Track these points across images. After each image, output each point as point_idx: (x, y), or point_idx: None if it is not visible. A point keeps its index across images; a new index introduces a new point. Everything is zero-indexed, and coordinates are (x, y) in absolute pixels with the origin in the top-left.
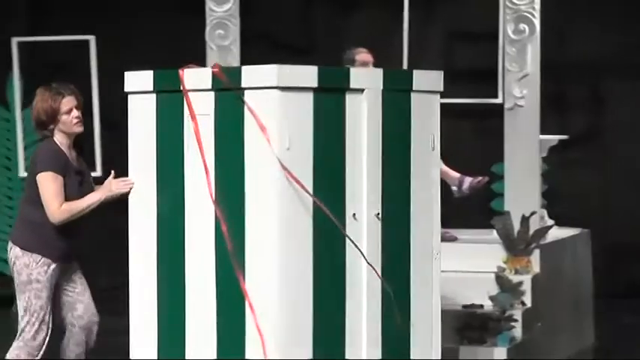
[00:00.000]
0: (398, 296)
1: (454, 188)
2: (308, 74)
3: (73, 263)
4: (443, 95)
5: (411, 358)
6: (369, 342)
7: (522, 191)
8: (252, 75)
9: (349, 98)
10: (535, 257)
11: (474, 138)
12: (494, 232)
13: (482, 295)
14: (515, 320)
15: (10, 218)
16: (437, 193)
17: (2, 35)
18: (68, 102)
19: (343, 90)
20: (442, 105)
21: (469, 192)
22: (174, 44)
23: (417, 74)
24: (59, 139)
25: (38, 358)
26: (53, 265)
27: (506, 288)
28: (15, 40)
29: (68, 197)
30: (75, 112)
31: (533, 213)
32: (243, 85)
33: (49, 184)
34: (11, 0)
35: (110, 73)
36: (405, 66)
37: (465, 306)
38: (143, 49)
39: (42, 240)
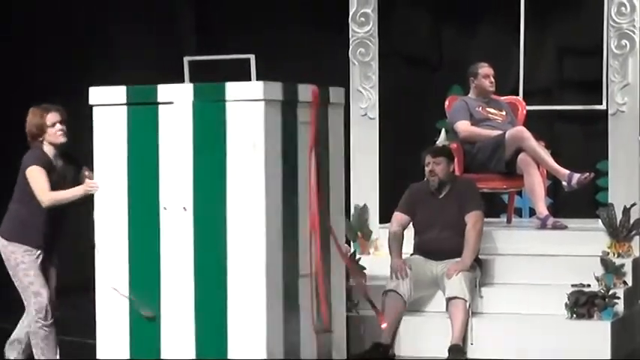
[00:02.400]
0: (214, 291)
1: (564, 183)
2: (118, 93)
3: (52, 255)
4: (555, 102)
5: (228, 358)
6: (184, 338)
7: (624, 185)
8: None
9: (162, 110)
10: (635, 243)
11: (581, 139)
12: (600, 221)
13: (589, 275)
14: (618, 298)
15: None
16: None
17: (176, 54)
18: (53, 117)
19: (155, 103)
20: (554, 111)
21: (577, 186)
22: (322, 61)
23: (230, 86)
24: (47, 149)
25: (48, 322)
26: (36, 252)
27: (610, 269)
28: (186, 60)
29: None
30: (59, 126)
31: (633, 204)
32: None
33: (37, 175)
34: (183, 23)
35: None
36: (521, 77)
37: (574, 285)
38: (295, 65)
39: (26, 232)
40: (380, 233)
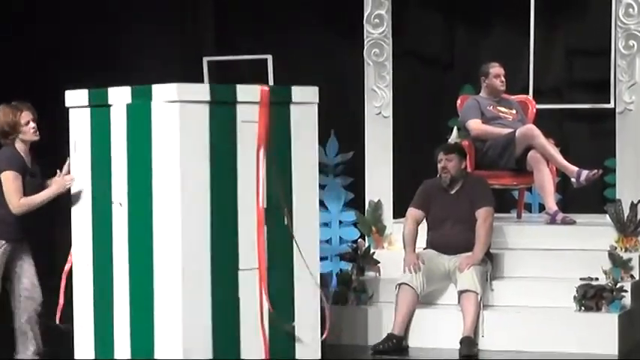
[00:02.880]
0: (144, 289)
1: (573, 180)
2: (81, 96)
3: (24, 243)
4: (564, 101)
5: (155, 357)
6: (124, 337)
7: (631, 182)
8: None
9: (112, 112)
10: None
11: (590, 137)
12: (607, 216)
13: (597, 269)
14: (626, 291)
15: None
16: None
17: (195, 54)
18: (26, 115)
19: (107, 105)
20: (563, 109)
21: (586, 183)
22: (338, 61)
23: (155, 88)
24: (19, 146)
25: None
26: (5, 245)
27: (618, 263)
28: (205, 60)
29: (26, 193)
30: (32, 124)
31: None
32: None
33: (10, 182)
34: (202, 24)
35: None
36: (531, 76)
37: (582, 278)
38: (311, 66)
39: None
40: (394, 228)
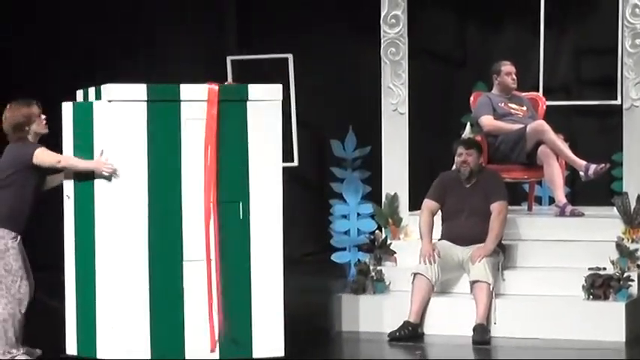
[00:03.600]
0: (87, 284)
1: (581, 173)
2: (79, 95)
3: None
4: (573, 98)
5: (97, 357)
6: (71, 333)
7: (637, 175)
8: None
9: (65, 111)
10: None
11: (598, 132)
12: (615, 208)
13: (605, 259)
14: (632, 280)
15: None
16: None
17: (219, 53)
18: (37, 108)
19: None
20: (572, 106)
21: (594, 176)
22: (356, 60)
23: (104, 88)
24: (30, 139)
25: (22, 310)
26: (19, 237)
27: (625, 254)
28: (229, 59)
29: (34, 184)
30: (43, 115)
31: None
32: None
33: (46, 151)
34: (225, 24)
35: (303, 84)
36: (541, 74)
37: (590, 268)
38: (331, 64)
39: (11, 217)
40: (410, 220)
